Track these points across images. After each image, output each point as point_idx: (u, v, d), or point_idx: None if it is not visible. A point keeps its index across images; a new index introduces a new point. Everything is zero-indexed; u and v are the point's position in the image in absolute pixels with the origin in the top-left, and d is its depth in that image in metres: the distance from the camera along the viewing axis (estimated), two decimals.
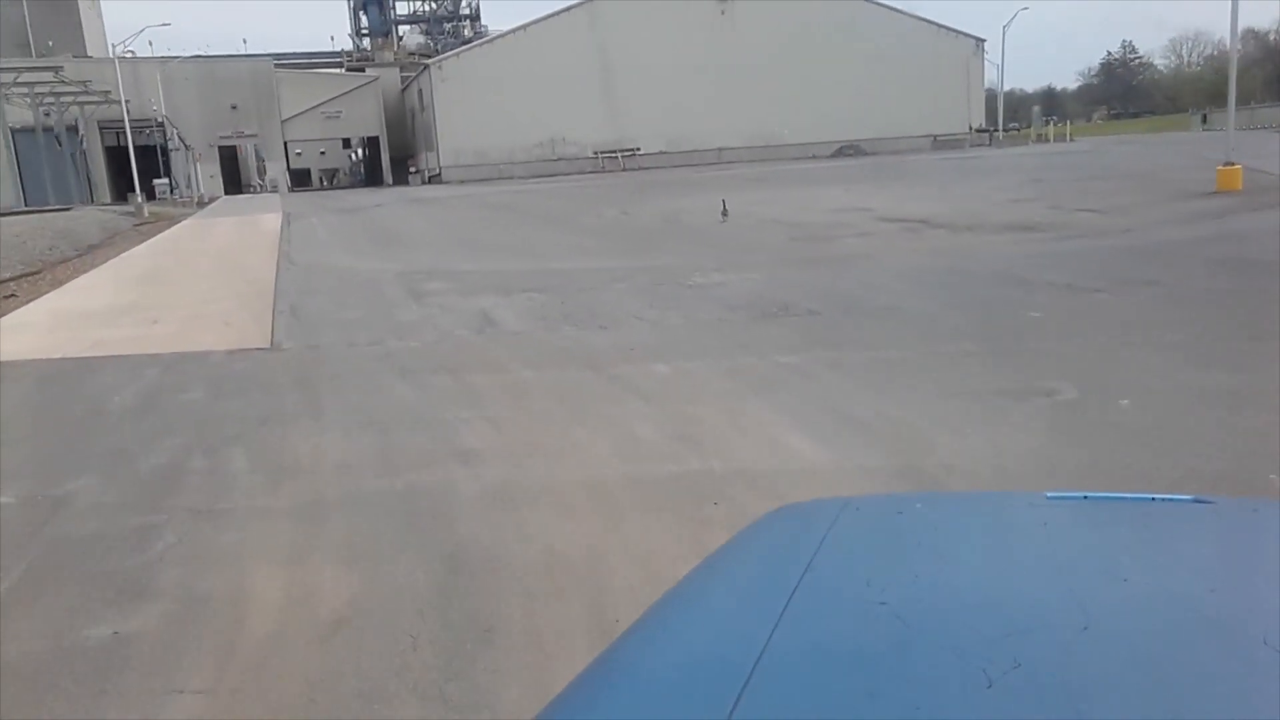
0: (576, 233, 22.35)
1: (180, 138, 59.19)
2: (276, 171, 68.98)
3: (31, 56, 71.36)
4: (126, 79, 61.10)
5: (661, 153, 65.70)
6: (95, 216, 36.91)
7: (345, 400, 7.67)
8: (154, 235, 29.29)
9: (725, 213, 22.72)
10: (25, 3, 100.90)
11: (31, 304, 14.33)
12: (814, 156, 65.40)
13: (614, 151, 65.58)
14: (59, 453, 6.61)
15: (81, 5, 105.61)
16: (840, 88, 67.98)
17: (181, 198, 54.32)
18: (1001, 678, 0.95)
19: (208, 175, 64.10)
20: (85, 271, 19.15)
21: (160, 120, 58.37)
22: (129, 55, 70.85)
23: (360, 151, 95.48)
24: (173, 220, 37.09)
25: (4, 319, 12.92)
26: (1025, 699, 0.93)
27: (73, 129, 58.44)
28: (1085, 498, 1.56)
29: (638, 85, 65.51)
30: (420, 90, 68.58)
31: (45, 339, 11.21)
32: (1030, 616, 1.11)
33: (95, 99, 55.51)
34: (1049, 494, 1.56)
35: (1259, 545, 1.36)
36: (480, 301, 12.33)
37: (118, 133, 57.37)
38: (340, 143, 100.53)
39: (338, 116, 71.85)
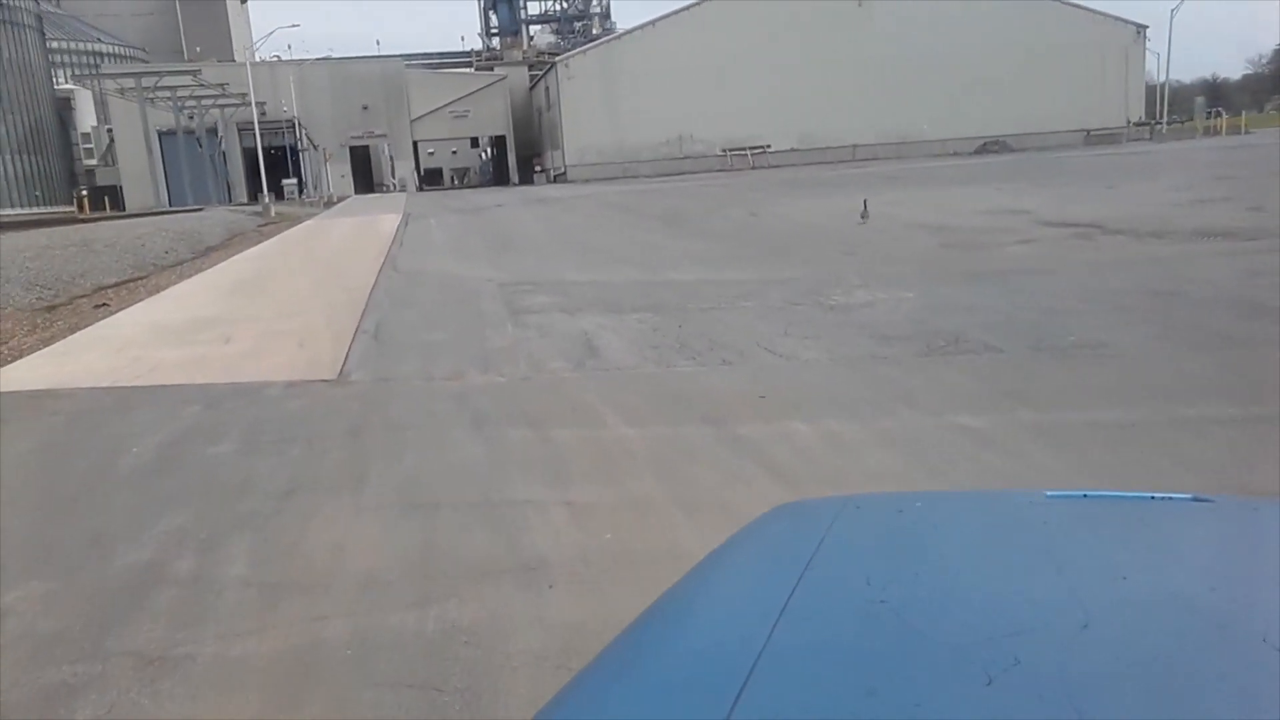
0: (700, 237, 20.54)
1: (309, 138, 60.00)
2: (405, 171, 69.51)
3: (183, 62, 74.01)
4: (264, 82, 62.43)
5: (792, 150, 63.26)
6: (223, 217, 37.10)
7: (399, 465, 6.06)
8: (272, 236, 28.88)
9: (865, 214, 20.53)
10: (179, 11, 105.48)
11: (116, 315, 13.40)
12: (954, 154, 61.85)
13: (742, 149, 63.48)
14: (26, 537, 5.19)
15: (230, 12, 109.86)
16: (984, 80, 64.08)
17: (310, 198, 54.93)
18: (1001, 676, 0.94)
19: (338, 175, 64.95)
20: (188, 277, 18.40)
21: (294, 121, 59.28)
22: (274, 60, 72.65)
23: (489, 151, 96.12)
24: (296, 221, 36.96)
25: (80, 334, 11.95)
26: (1025, 697, 0.92)
27: (212, 131, 59.91)
28: (1085, 496, 1.55)
29: (768, 80, 63.19)
30: (547, 88, 67.96)
31: (107, 360, 10.08)
32: (1030, 615, 1.10)
33: (233, 102, 56.66)
34: (1049, 492, 1.58)
35: (1259, 544, 1.34)
36: (584, 322, 10.66)
37: (263, 135, 58.55)
38: (469, 142, 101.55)
39: (465, 116, 71.93)
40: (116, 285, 17.54)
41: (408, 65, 73.14)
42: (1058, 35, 64.73)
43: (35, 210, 60.63)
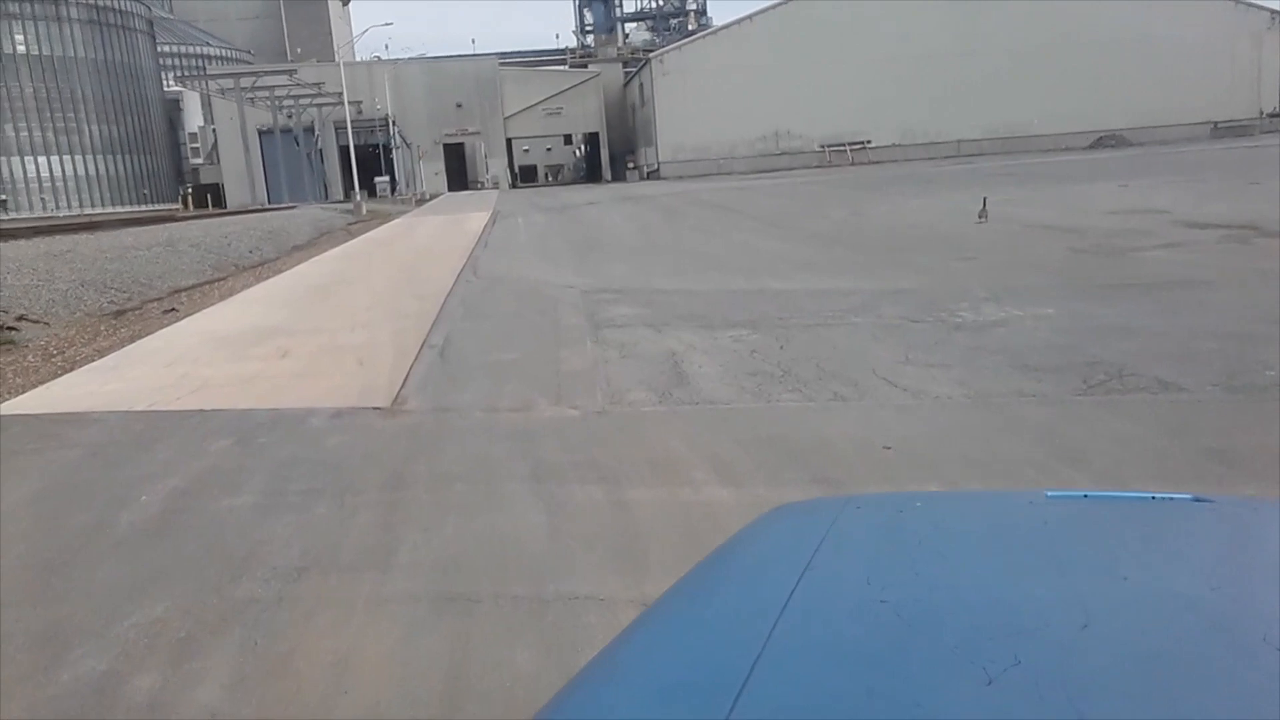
0: (801, 239, 19.12)
1: (401, 136, 60.14)
2: (498, 168, 69.36)
3: (286, 63, 75.20)
4: (360, 81, 62.90)
5: (894, 145, 60.99)
6: (313, 215, 37.00)
7: (438, 534, 4.92)
8: (359, 235, 28.41)
9: (984, 214, 18.83)
10: (283, 14, 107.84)
11: (180, 324, 12.69)
12: (1067, 148, 58.74)
13: (842, 145, 61.49)
14: None
15: (332, 14, 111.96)
16: (1099, 70, 60.72)
17: (402, 195, 54.97)
18: (1001, 675, 0.94)
19: (432, 172, 65.10)
20: (266, 279, 17.78)
21: (388, 120, 59.51)
22: (372, 60, 73.32)
23: (582, 148, 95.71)
24: (385, 219, 36.64)
25: (137, 344, 11.22)
26: (1025, 697, 0.92)
27: (309, 130, 60.56)
28: (1085, 496, 1.55)
29: (868, 74, 61.04)
30: (641, 85, 66.96)
31: (153, 377, 9.25)
32: (1030, 614, 1.10)
33: (330, 101, 57.07)
34: (1049, 492, 1.57)
35: (1258, 544, 1.35)
36: (673, 340, 9.43)
37: (356, 133, 58.93)
38: (563, 139, 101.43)
39: (559, 113, 71.44)
40: (193, 288, 17.01)
41: (501, 63, 72.99)
42: (1179, 22, 60.95)
43: (142, 208, 62.25)
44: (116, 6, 68.78)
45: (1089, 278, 11.93)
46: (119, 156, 67.54)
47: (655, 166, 63.14)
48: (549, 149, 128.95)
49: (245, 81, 54.44)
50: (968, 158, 57.25)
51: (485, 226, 28.03)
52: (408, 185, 59.05)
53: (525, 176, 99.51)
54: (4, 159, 61.85)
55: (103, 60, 66.79)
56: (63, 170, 64.42)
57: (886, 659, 1.04)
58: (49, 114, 63.76)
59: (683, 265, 16.08)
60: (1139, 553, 1.34)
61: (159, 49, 76.96)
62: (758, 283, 13.25)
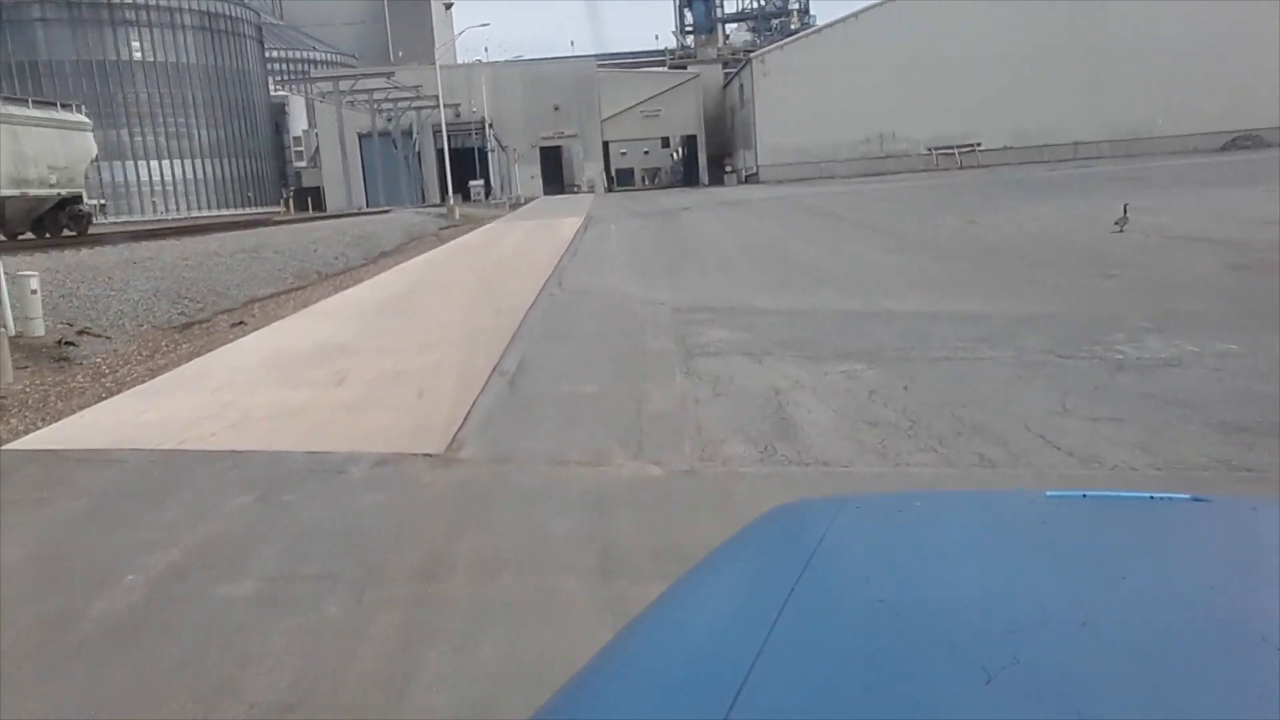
0: (914, 250, 17.56)
1: (496, 139, 59.90)
2: (594, 171, 68.75)
3: (389, 67, 75.91)
4: (459, 84, 62.97)
5: (1005, 148, 58.21)
6: (406, 220, 36.67)
7: (469, 656, 3.75)
8: (448, 241, 27.78)
9: (1124, 221, 16.97)
10: (388, 18, 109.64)
11: (244, 339, 11.91)
12: (1195, 150, 55.15)
13: (950, 147, 58.99)
14: None
15: (435, 17, 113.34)
16: (1232, 64, 56.82)
17: (497, 200, 54.65)
18: (1000, 675, 0.94)
19: (528, 176, 64.81)
20: (345, 288, 17.05)
21: (484, 123, 59.34)
22: (472, 63, 73.52)
23: (679, 151, 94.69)
24: (477, 224, 36.09)
25: (190, 365, 10.42)
26: (1024, 696, 0.92)
27: (407, 133, 60.83)
28: (1084, 496, 1.55)
29: (979, 73, 58.42)
30: (741, 86, 65.52)
31: (195, 405, 8.37)
32: (1029, 614, 1.10)
33: (428, 104, 57.13)
34: (1049, 492, 1.58)
35: (1258, 544, 1.33)
36: (775, 374, 8.12)
37: (452, 136, 58.94)
38: (660, 142, 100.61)
39: (656, 115, 70.48)
40: (269, 298, 16.35)
41: (600, 65, 72.38)
42: None
43: (246, 211, 63.44)
44: (227, 13, 70.45)
45: (1265, 302, 10.18)
46: (226, 160, 69.09)
47: (753, 170, 61.61)
48: (646, 152, 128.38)
49: (344, 85, 54.84)
50: (1086, 161, 54.19)
51: (576, 233, 27.07)
52: (503, 189, 58.79)
53: (621, 180, 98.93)
54: (119, 163, 63.73)
55: (212, 66, 68.43)
56: (172, 174, 66.16)
57: (886, 658, 1.03)
58: (161, 119, 65.54)
59: (786, 280, 14.72)
60: (1138, 552, 1.33)
61: (267, 54, 78.65)
62: (871, 302, 11.83)
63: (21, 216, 24.16)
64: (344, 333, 11.93)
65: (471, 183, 56.40)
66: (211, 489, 6.03)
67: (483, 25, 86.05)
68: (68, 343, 11.21)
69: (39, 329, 11.23)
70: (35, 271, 11.55)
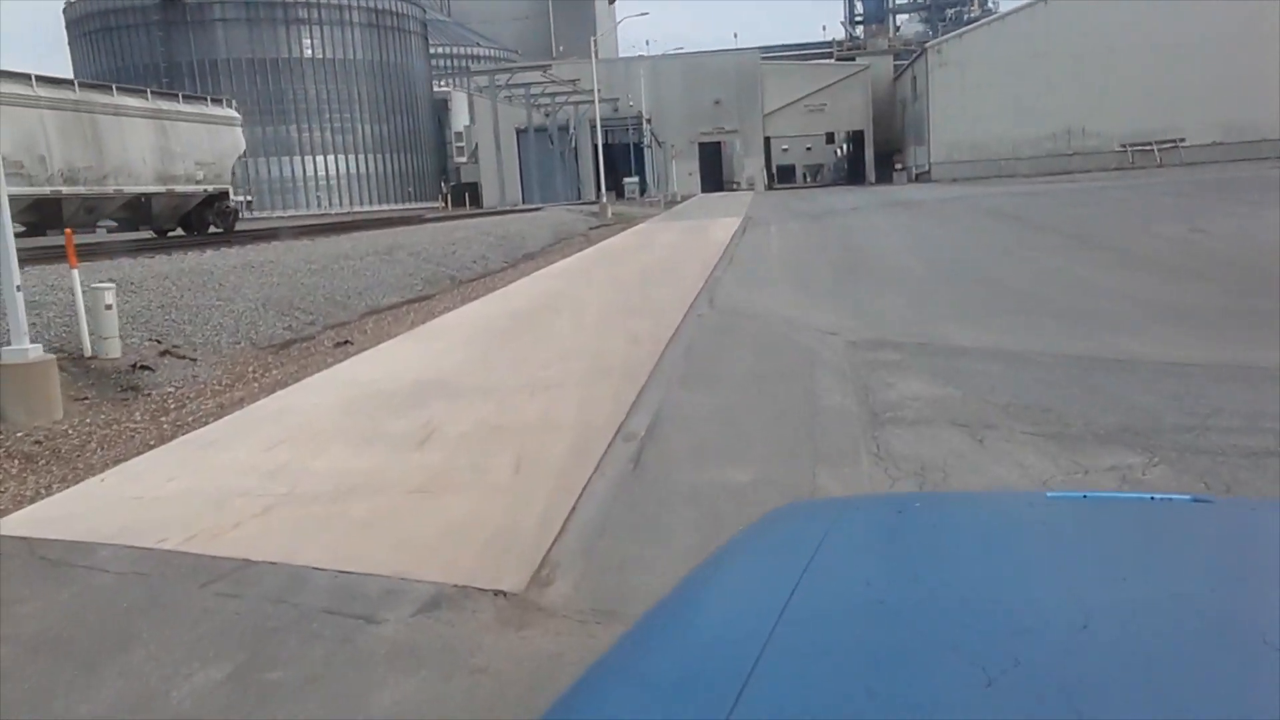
0: (1136, 266, 14.52)
1: (654, 134, 58.12)
2: (754, 168, 66.21)
3: (552, 62, 75.49)
4: (618, 78, 61.60)
5: (1214, 144, 52.33)
6: (557, 218, 35.24)
7: None
8: (596, 243, 26.01)
9: None
10: (551, 14, 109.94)
11: (338, 367, 10.24)
12: None
13: (1147, 143, 53.58)
14: None
15: (599, 12, 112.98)
16: None
17: (652, 197, 52.88)
18: (1001, 676, 0.94)
19: (685, 172, 62.85)
20: (474, 299, 15.38)
21: (641, 118, 57.70)
22: (631, 57, 72.24)
23: (844, 147, 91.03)
24: (629, 223, 34.30)
25: (263, 403, 8.76)
26: (1024, 697, 0.92)
27: (564, 129, 59.86)
28: (1085, 497, 1.57)
29: (1182, 60, 52.68)
30: (914, 78, 61.62)
31: (241, 467, 6.61)
32: (1029, 615, 1.10)
33: (586, 99, 55.90)
34: (1049, 493, 1.70)
35: (1258, 545, 1.34)
36: (1009, 466, 5.69)
37: (608, 131, 57.61)
38: (824, 137, 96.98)
39: (821, 110, 67.28)
40: (389, 309, 14.83)
41: (764, 58, 69.68)
42: None
43: (406, 206, 64.02)
44: (394, 10, 71.35)
45: None
46: (388, 156, 70.00)
47: (925, 168, 57.73)
48: (808, 148, 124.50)
49: (500, 79, 54.16)
50: None
51: (733, 236, 24.82)
52: (658, 186, 57.01)
53: (782, 177, 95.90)
54: (285, 158, 65.43)
55: (378, 62, 69.39)
56: (336, 169, 67.43)
57: (886, 659, 1.03)
58: (327, 115, 66.87)
59: (984, 304, 12.07)
60: (1139, 553, 1.33)
61: (431, 50, 79.53)
62: (1105, 342, 9.13)
63: (169, 213, 23.77)
64: (452, 360, 10.10)
65: (626, 180, 54.82)
66: (180, 643, 4.11)
67: (641, 15, 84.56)
68: (144, 367, 9.78)
69: (114, 349, 9.84)
70: (111, 283, 10.17)
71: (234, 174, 26.05)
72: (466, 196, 63.92)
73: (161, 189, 22.66)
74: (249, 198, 28.69)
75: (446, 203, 65.29)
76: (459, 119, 79.83)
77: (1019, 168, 54.15)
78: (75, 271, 9.92)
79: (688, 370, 9.01)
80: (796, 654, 1.06)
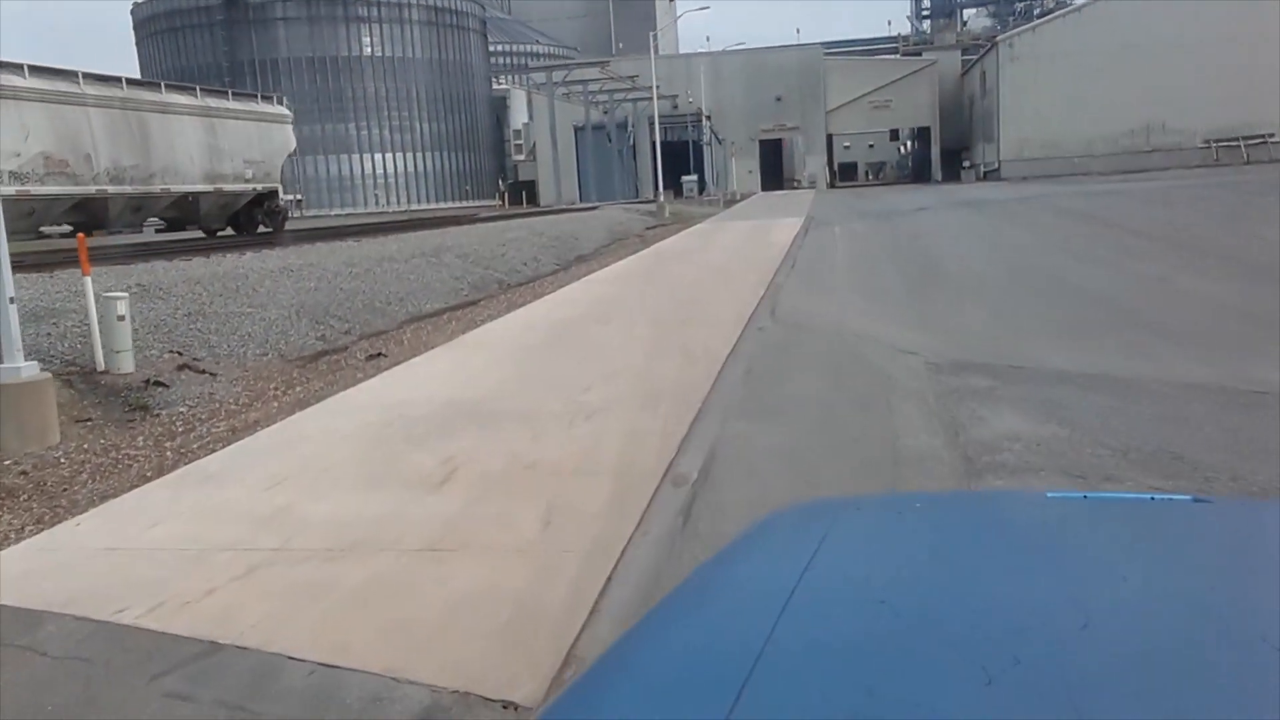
0: (1247, 276, 13.16)
1: (713, 131, 56.96)
2: (816, 166, 64.71)
3: (611, 59, 74.82)
4: (678, 74, 60.59)
5: None
6: (612, 217, 34.38)
7: None
8: (652, 244, 25.06)
9: None
10: (611, 11, 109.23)
11: (365, 384, 9.42)
12: None
13: (1233, 139, 51.06)
14: None
15: (659, 10, 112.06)
16: None
17: (711, 195, 51.78)
18: (1001, 676, 0.94)
19: (745, 170, 61.60)
20: (518, 306, 14.53)
21: (700, 115, 56.61)
22: (691, 53, 71.19)
23: (909, 144, 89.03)
24: (686, 223, 33.30)
25: (278, 426, 7.96)
26: (1024, 697, 0.92)
27: (622, 126, 58.99)
28: (1085, 497, 1.57)
29: (1271, 53, 50.03)
30: (983, 73, 59.65)
31: (235, 511, 5.80)
32: (1029, 615, 1.10)
33: (644, 95, 54.96)
34: (1049, 493, 1.63)
35: (1258, 545, 1.34)
36: None
37: (666, 128, 56.64)
38: (888, 135, 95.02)
39: (886, 106, 65.53)
40: (430, 316, 14.05)
41: (827, 53, 68.08)
42: None
43: (463, 204, 63.74)
44: (453, 7, 71.10)
45: None
46: (446, 154, 69.80)
47: (994, 166, 55.80)
48: (871, 145, 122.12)
49: (557, 75, 53.42)
50: None
51: (795, 237, 23.70)
52: (717, 184, 55.86)
53: (844, 174, 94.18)
54: (344, 156, 65.52)
55: (436, 60, 69.20)
56: (394, 167, 67.38)
57: (886, 659, 1.03)
58: (386, 113, 66.84)
59: (1078, 318, 10.88)
60: (1139, 553, 1.33)
61: (490, 48, 79.25)
62: (1231, 368, 7.95)
63: (217, 213, 23.35)
64: (489, 378, 9.22)
65: (684, 178, 53.74)
66: None
67: (702, 9, 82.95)
68: (158, 383, 9.06)
69: (127, 364, 9.15)
70: (125, 292, 9.49)
71: (283, 173, 25.59)
72: (524, 195, 63.41)
73: (209, 188, 22.22)
74: (299, 197, 28.24)
75: (504, 201, 64.88)
76: (517, 117, 79.44)
77: (1093, 165, 51.96)
78: (88, 279, 9.23)
79: (747, 397, 8.02)
80: (797, 653, 1.05)
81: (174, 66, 62.58)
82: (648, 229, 32.04)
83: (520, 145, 79.12)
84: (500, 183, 71.79)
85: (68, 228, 20.26)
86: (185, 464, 6.96)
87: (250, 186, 23.67)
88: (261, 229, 24.71)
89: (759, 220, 32.18)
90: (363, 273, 15.82)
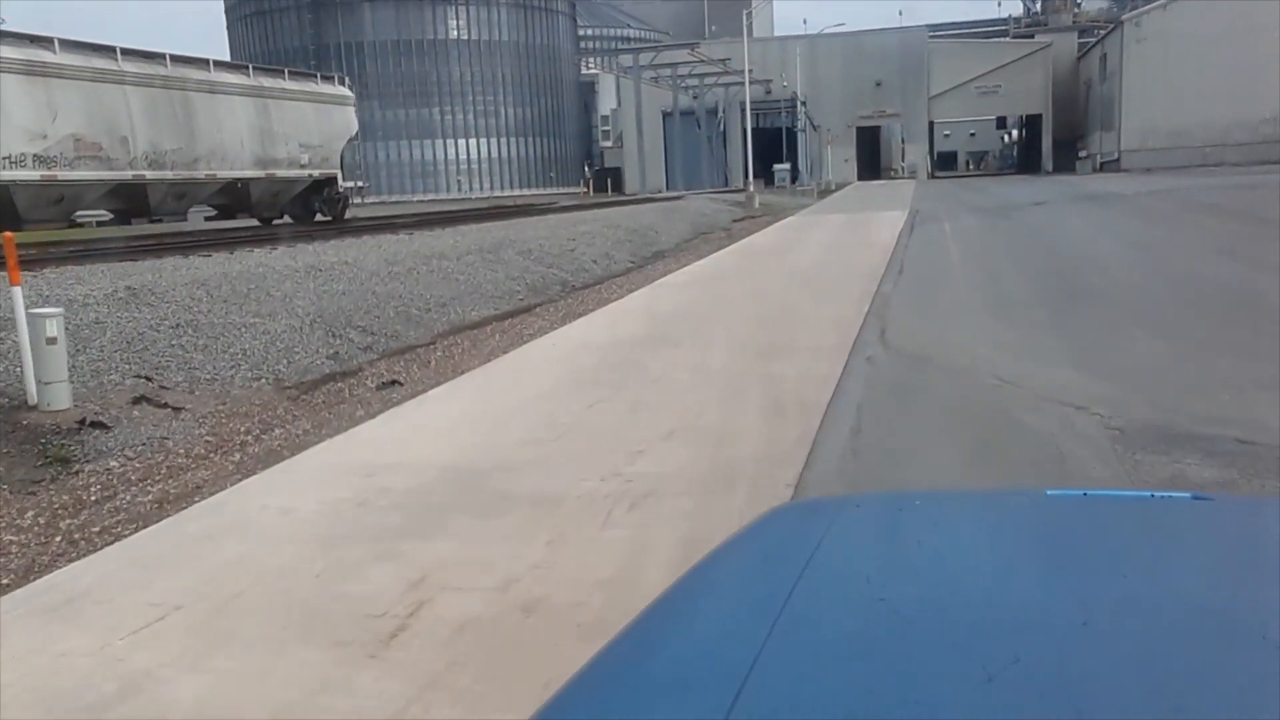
0: None
1: (809, 118, 54.04)
2: (916, 155, 61.27)
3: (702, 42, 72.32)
4: (772, 58, 57.85)
5: None
6: (697, 208, 32.06)
7: None
8: (738, 240, 22.71)
9: None
10: None
11: (354, 433, 7.38)
12: None
13: None
14: None
15: None
16: None
17: (803, 185, 48.97)
18: (1001, 674, 0.94)
19: (841, 159, 58.51)
20: (576, 316, 12.43)
21: (795, 100, 53.73)
22: (798, 36, 68.09)
23: (1016, 132, 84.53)
24: (776, 216, 30.79)
25: (217, 499, 5.96)
26: (1024, 694, 0.92)
27: (712, 112, 56.50)
28: (1085, 495, 1.54)
29: None
30: (1104, 55, 55.41)
31: (68, 675, 3.78)
32: (1030, 613, 1.10)
33: (736, 80, 52.34)
34: (1049, 491, 1.59)
35: (1258, 542, 1.34)
36: None
37: (758, 115, 53.96)
38: (994, 122, 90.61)
39: (995, 92, 61.63)
40: (475, 326, 12.03)
41: (931, 36, 64.35)
42: None
43: (547, 191, 62.12)
44: None
45: None
46: (530, 139, 68.26)
47: (1113, 155, 51.70)
48: (972, 134, 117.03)
49: (645, 59, 51.07)
50: None
51: (899, 236, 21.09)
52: (811, 173, 52.97)
53: (943, 164, 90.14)
54: (428, 141, 64.43)
55: (523, 43, 67.62)
56: (478, 152, 66.09)
57: (886, 657, 1.03)
58: (471, 97, 65.56)
59: (1271, 352, 8.23)
60: (1139, 551, 1.33)
61: (580, 32, 77.41)
62: None
63: (269, 200, 21.77)
64: (513, 428, 7.07)
65: (776, 166, 50.97)
66: None
67: None
68: (97, 423, 7.15)
69: (61, 399, 7.25)
70: (59, 309, 7.59)
71: (344, 158, 23.92)
72: (609, 182, 61.40)
73: (260, 174, 20.61)
74: (362, 183, 26.54)
75: (589, 188, 63.05)
76: (605, 102, 77.53)
77: (1227, 155, 47.55)
78: (17, 291, 7.36)
79: (858, 479, 5.70)
80: (796, 652, 1.04)
81: (262, 50, 62.24)
82: (735, 221, 29.63)
83: (608, 131, 77.24)
84: (585, 169, 69.94)
85: (107, 215, 18.85)
86: (58, 567, 4.98)
87: (306, 172, 22.03)
88: (320, 218, 23.09)
89: (857, 214, 29.50)
90: (406, 272, 13.86)
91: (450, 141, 65.36)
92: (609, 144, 75.35)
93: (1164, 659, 0.99)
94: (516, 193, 61.39)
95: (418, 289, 13.15)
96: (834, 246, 19.80)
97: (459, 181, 64.79)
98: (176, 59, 19.04)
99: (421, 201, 56.10)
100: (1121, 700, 0.91)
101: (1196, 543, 1.37)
